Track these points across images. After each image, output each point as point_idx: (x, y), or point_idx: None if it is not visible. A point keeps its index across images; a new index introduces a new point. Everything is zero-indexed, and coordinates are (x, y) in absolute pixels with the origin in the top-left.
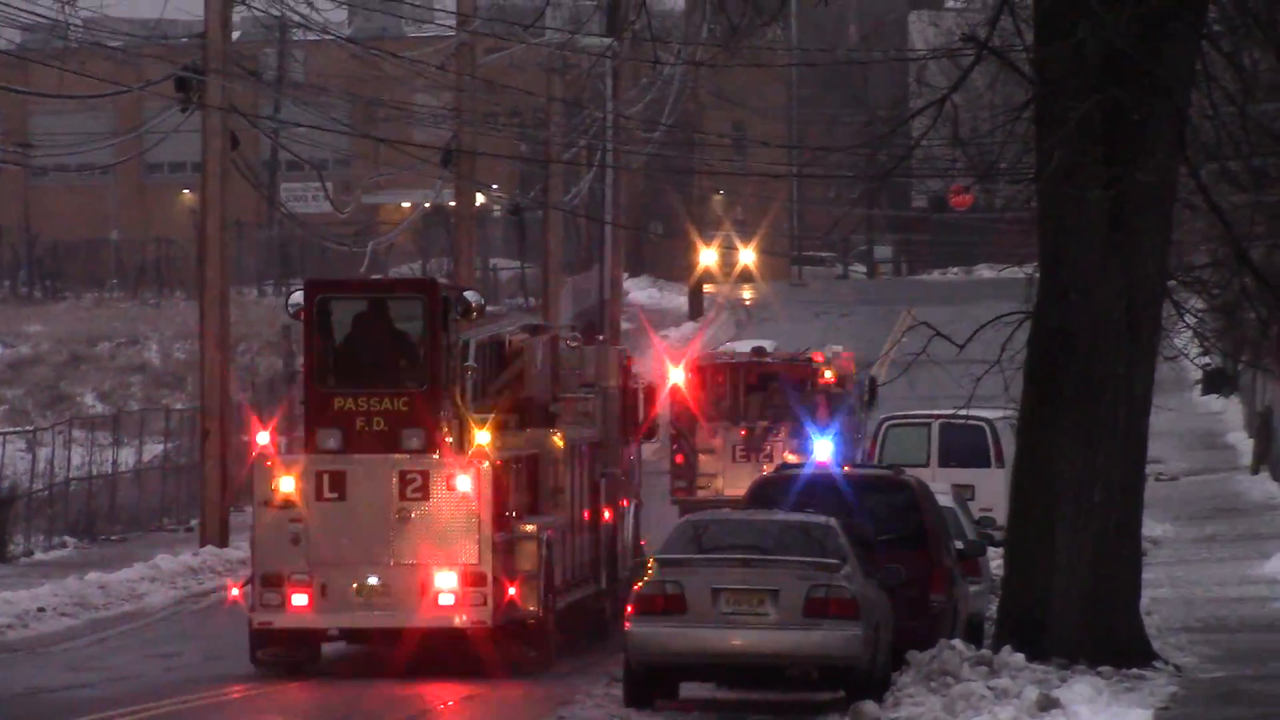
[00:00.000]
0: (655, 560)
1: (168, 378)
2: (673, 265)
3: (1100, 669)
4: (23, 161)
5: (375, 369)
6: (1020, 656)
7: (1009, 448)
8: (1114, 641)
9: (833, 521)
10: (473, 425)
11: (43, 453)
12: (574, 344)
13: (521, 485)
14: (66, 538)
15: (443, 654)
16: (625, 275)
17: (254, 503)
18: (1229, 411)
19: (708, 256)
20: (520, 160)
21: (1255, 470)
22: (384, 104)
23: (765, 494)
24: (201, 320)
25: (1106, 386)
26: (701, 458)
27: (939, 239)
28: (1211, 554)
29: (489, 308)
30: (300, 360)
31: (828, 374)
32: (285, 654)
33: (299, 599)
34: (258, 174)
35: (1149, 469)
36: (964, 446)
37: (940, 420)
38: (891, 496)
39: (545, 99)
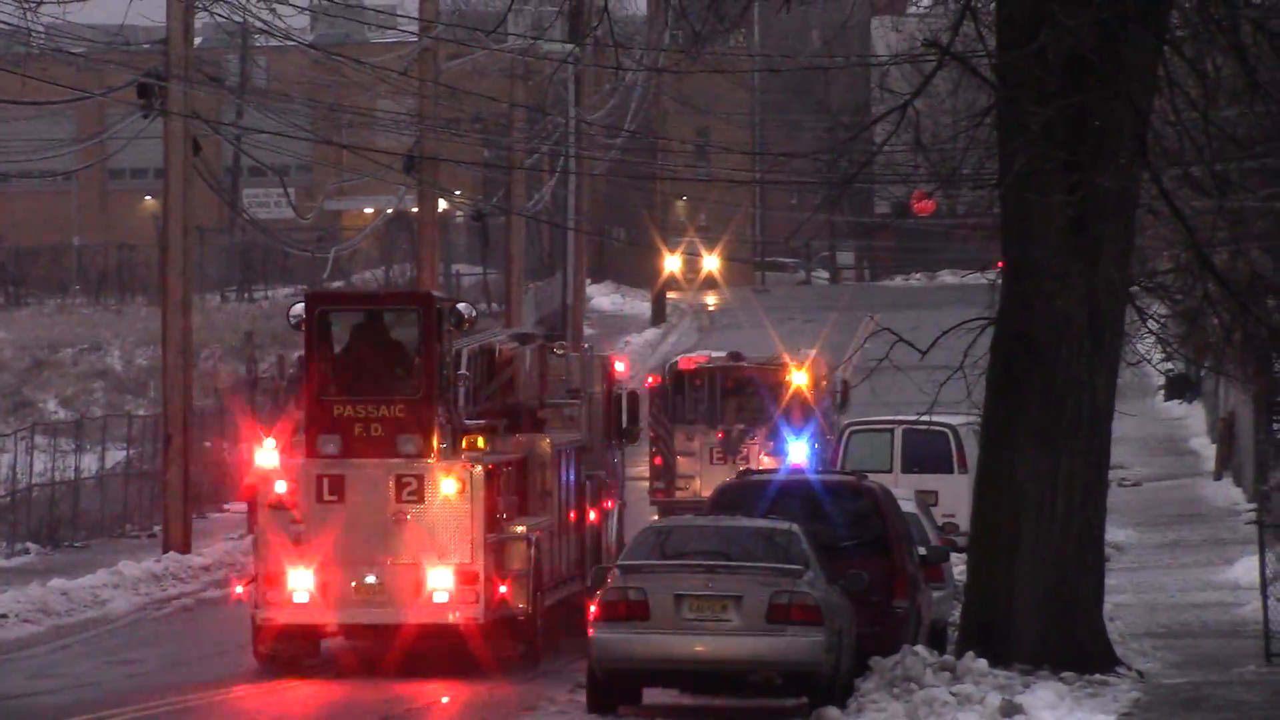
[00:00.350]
0: (618, 566)
1: (130, 384)
2: (636, 271)
3: (1063, 675)
4: None
5: (372, 377)
6: (983, 662)
7: (972, 453)
8: (1077, 647)
9: (795, 527)
10: (465, 431)
11: (5, 459)
12: (560, 352)
13: (511, 488)
14: (29, 544)
15: (435, 649)
16: (588, 281)
17: (257, 504)
18: (1192, 417)
19: (672, 263)
20: (483, 166)
21: (1218, 476)
22: (346, 110)
23: (729, 500)
24: (164, 326)
25: (1069, 392)
26: (679, 459)
27: (902, 245)
28: (1175, 559)
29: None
30: (267, 366)
31: (801, 378)
32: (287, 649)
33: (300, 596)
34: (220, 180)
35: (1112, 474)
36: (927, 452)
37: (903, 426)
38: (855, 502)
39: (508, 105)
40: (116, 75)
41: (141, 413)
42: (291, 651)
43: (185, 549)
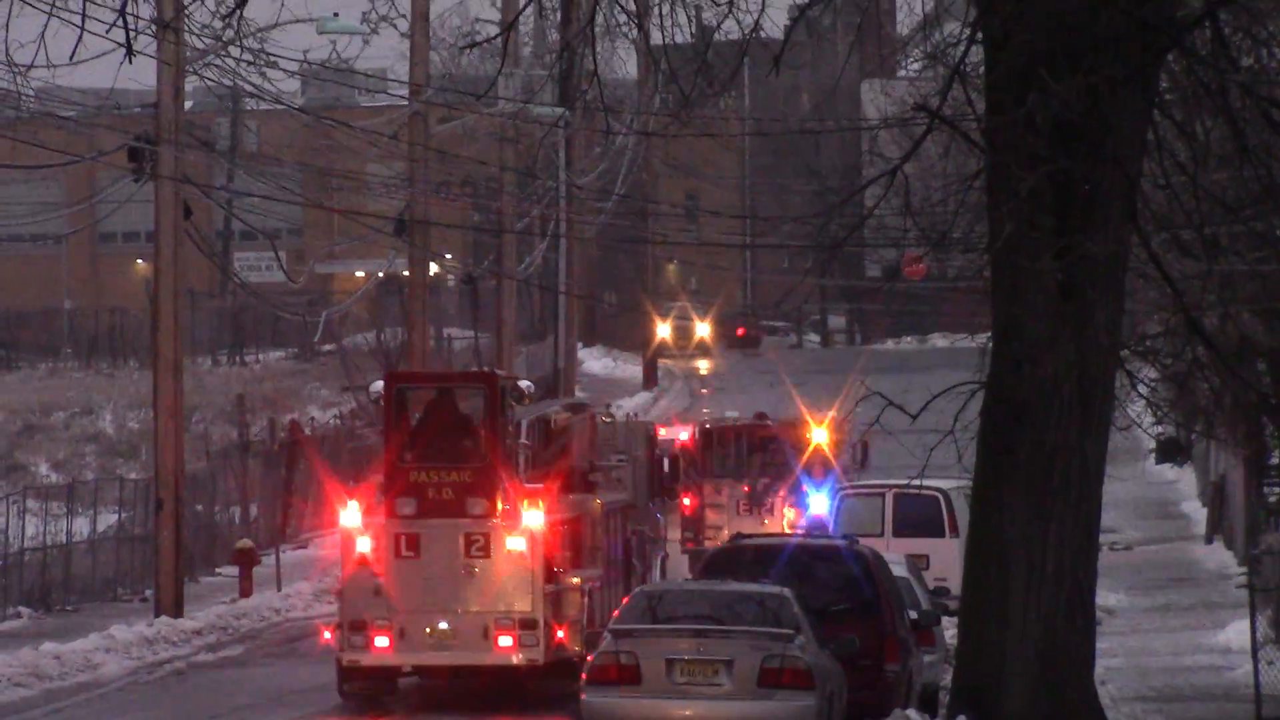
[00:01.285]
0: (609, 630)
1: (122, 447)
2: (628, 335)
3: None
4: None
5: (444, 447)
6: None
7: (963, 517)
8: (1068, 711)
9: (787, 591)
10: (526, 493)
11: None
12: (608, 419)
13: (567, 544)
14: (21, 608)
15: (499, 689)
16: (580, 345)
17: (342, 560)
18: (1183, 481)
19: (663, 330)
20: (474, 229)
21: (1209, 539)
22: (337, 174)
23: (720, 564)
24: (155, 390)
25: (1059, 456)
26: (708, 511)
27: (892, 308)
28: (1166, 623)
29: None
30: (258, 430)
31: (822, 436)
32: (368, 688)
33: (381, 640)
34: (211, 244)
35: (1103, 538)
36: (918, 516)
37: (894, 490)
38: (846, 566)
39: (498, 168)
40: (107, 139)
41: (133, 476)
42: (372, 690)
43: (177, 613)
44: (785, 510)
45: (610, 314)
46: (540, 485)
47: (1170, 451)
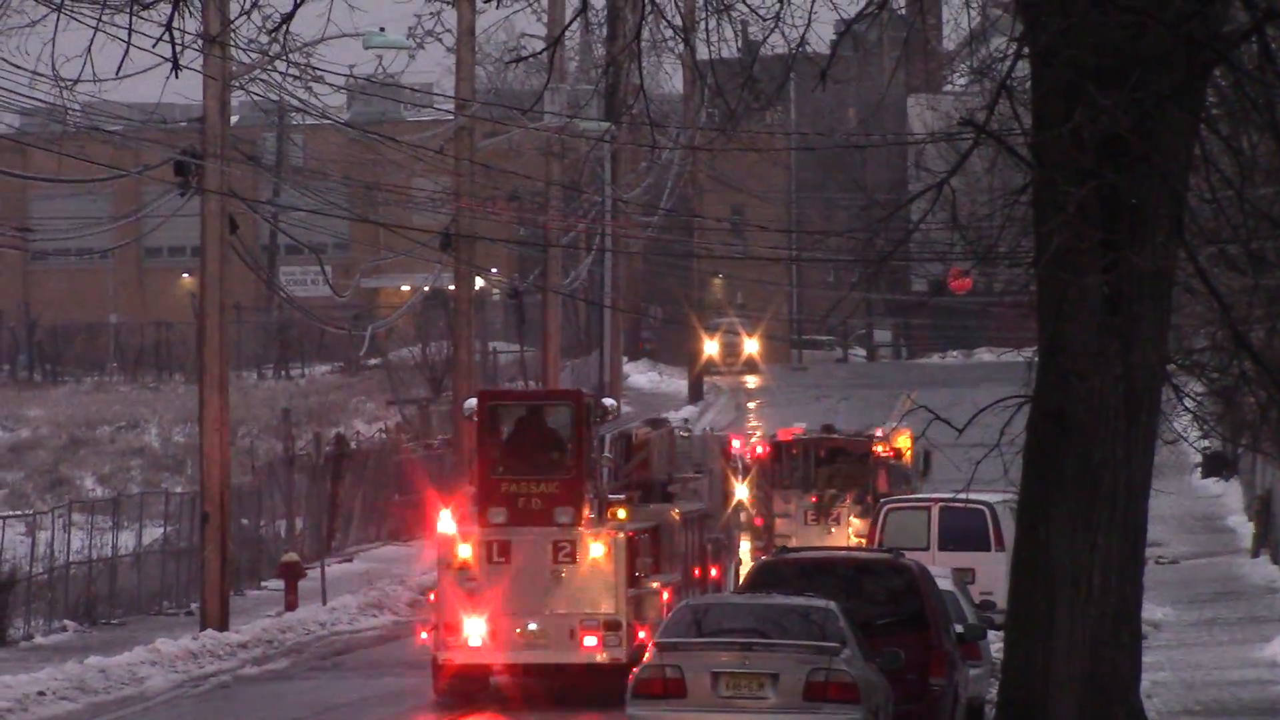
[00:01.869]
0: (655, 644)
1: (167, 461)
2: (673, 349)
3: None
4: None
5: (533, 460)
6: None
7: (1009, 531)
8: None
9: (833, 605)
10: (609, 503)
11: (42, 536)
12: (685, 434)
13: (647, 550)
14: (66, 621)
15: (584, 686)
16: (625, 359)
17: (439, 565)
18: (1229, 495)
19: (710, 346)
20: (519, 244)
21: (1255, 553)
22: (383, 188)
23: (766, 578)
24: (201, 404)
25: (1105, 470)
26: (777, 521)
27: (938, 322)
28: (1212, 637)
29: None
30: (304, 444)
31: (886, 448)
32: (462, 685)
33: (474, 641)
34: (257, 258)
35: (1149, 552)
36: (964, 530)
37: (940, 504)
38: (892, 580)
39: (544, 183)
40: (153, 153)
41: (179, 490)
42: (466, 688)
43: (223, 626)
44: (851, 520)
45: (656, 328)
46: (622, 496)
47: (1216, 466)
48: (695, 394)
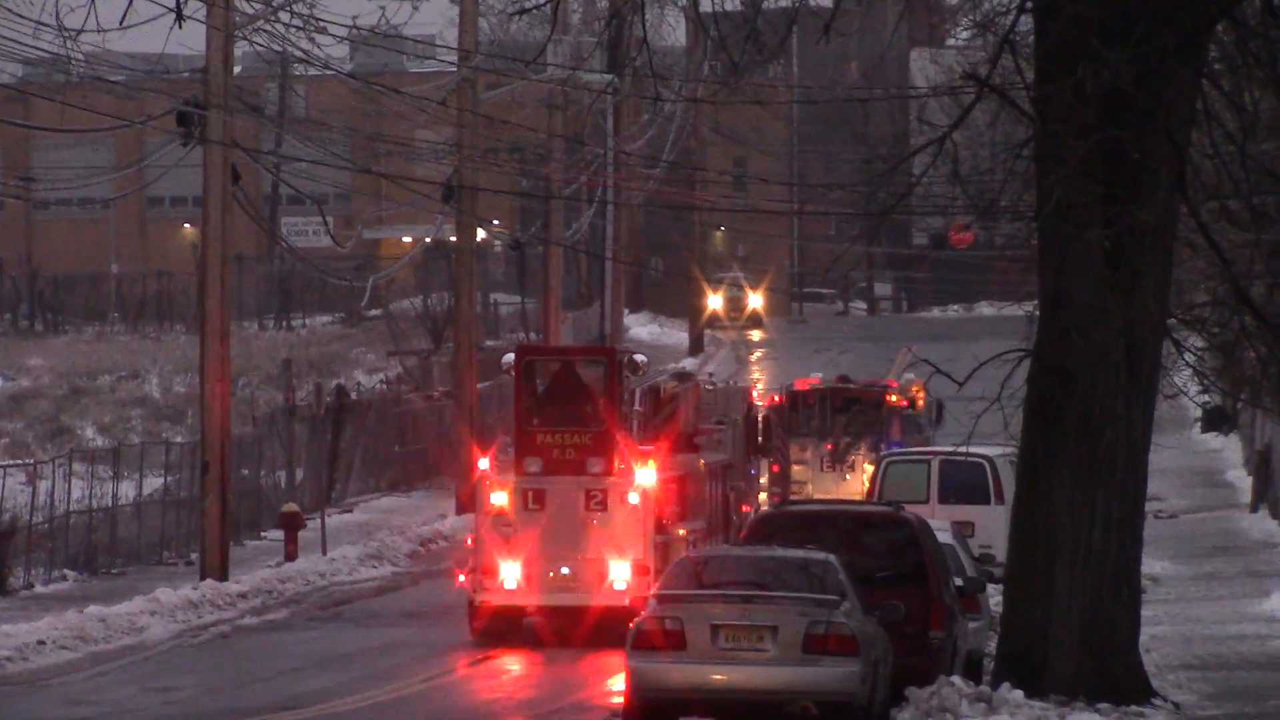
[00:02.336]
0: (655, 596)
1: (168, 411)
2: (674, 301)
3: (1099, 706)
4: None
5: (567, 413)
6: (1019, 694)
7: (1009, 485)
8: (1112, 679)
9: (832, 558)
10: (638, 454)
11: (43, 486)
12: (710, 387)
13: (674, 499)
14: (66, 571)
15: (613, 628)
16: (626, 311)
17: (476, 511)
18: (1228, 449)
19: (714, 301)
20: (521, 196)
21: (1254, 508)
22: (385, 139)
23: (766, 530)
24: (202, 354)
25: (1106, 424)
26: (794, 468)
27: (939, 276)
28: (1210, 592)
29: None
30: (305, 394)
31: (899, 398)
32: (498, 625)
33: (510, 584)
34: (259, 208)
35: (1148, 506)
36: (964, 483)
37: (940, 457)
38: (891, 533)
39: (546, 135)
40: (156, 103)
41: (179, 440)
42: (500, 627)
43: (223, 576)
44: (865, 467)
45: (657, 280)
46: (651, 447)
47: (1216, 420)
48: (696, 346)
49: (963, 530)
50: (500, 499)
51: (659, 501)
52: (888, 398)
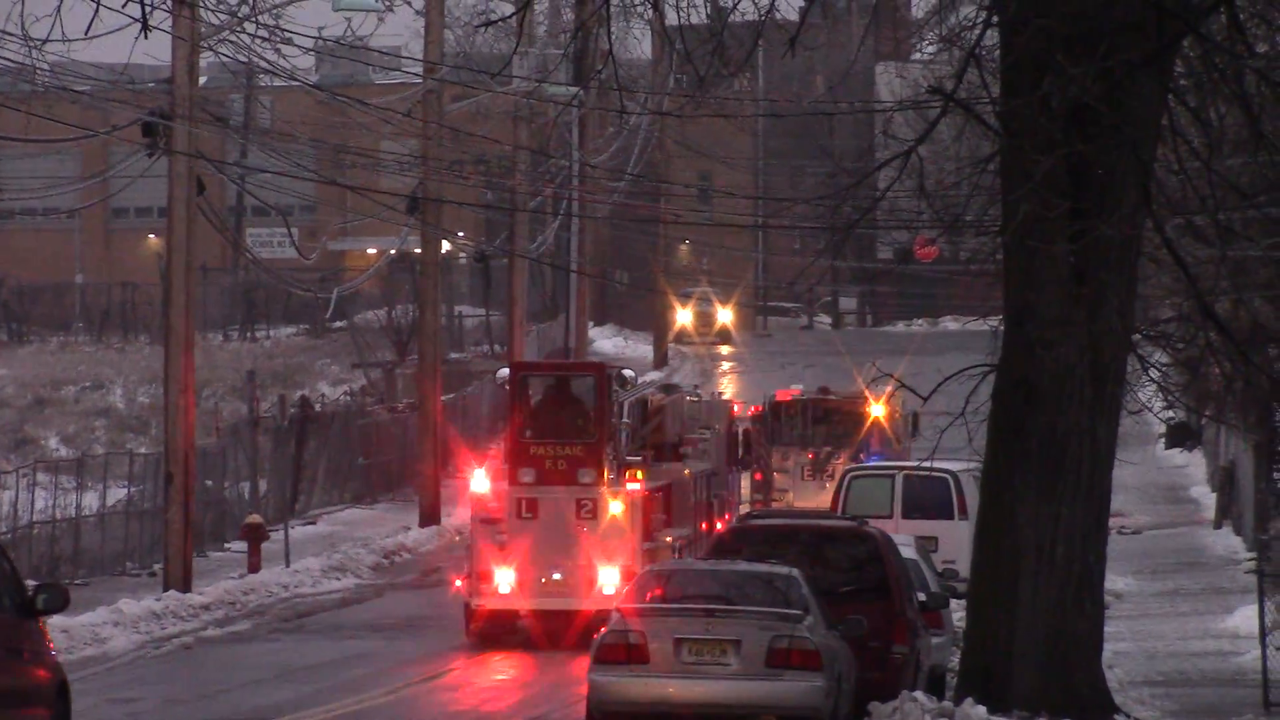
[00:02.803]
0: (617, 609)
1: (132, 422)
2: (638, 314)
3: None
4: None
5: (559, 426)
6: (982, 709)
7: (972, 500)
8: (1075, 694)
9: (795, 572)
10: (627, 465)
11: (6, 495)
12: (694, 399)
13: (660, 507)
14: (29, 581)
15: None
16: (591, 324)
17: (472, 519)
18: (1192, 465)
19: (683, 316)
20: (486, 208)
21: (1218, 524)
22: (350, 151)
23: (730, 544)
24: (166, 365)
25: (1070, 440)
26: (776, 476)
27: (904, 290)
28: (1174, 607)
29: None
30: (269, 406)
31: (879, 409)
32: (492, 628)
33: (504, 588)
34: (223, 219)
35: (1112, 522)
36: (928, 498)
37: (904, 472)
38: (855, 548)
39: (511, 147)
40: (121, 114)
41: (143, 451)
42: (494, 630)
43: (186, 587)
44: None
45: (622, 292)
46: (639, 457)
47: (1180, 436)
48: (660, 360)
49: (926, 545)
50: (495, 508)
51: (646, 510)
52: (866, 409)
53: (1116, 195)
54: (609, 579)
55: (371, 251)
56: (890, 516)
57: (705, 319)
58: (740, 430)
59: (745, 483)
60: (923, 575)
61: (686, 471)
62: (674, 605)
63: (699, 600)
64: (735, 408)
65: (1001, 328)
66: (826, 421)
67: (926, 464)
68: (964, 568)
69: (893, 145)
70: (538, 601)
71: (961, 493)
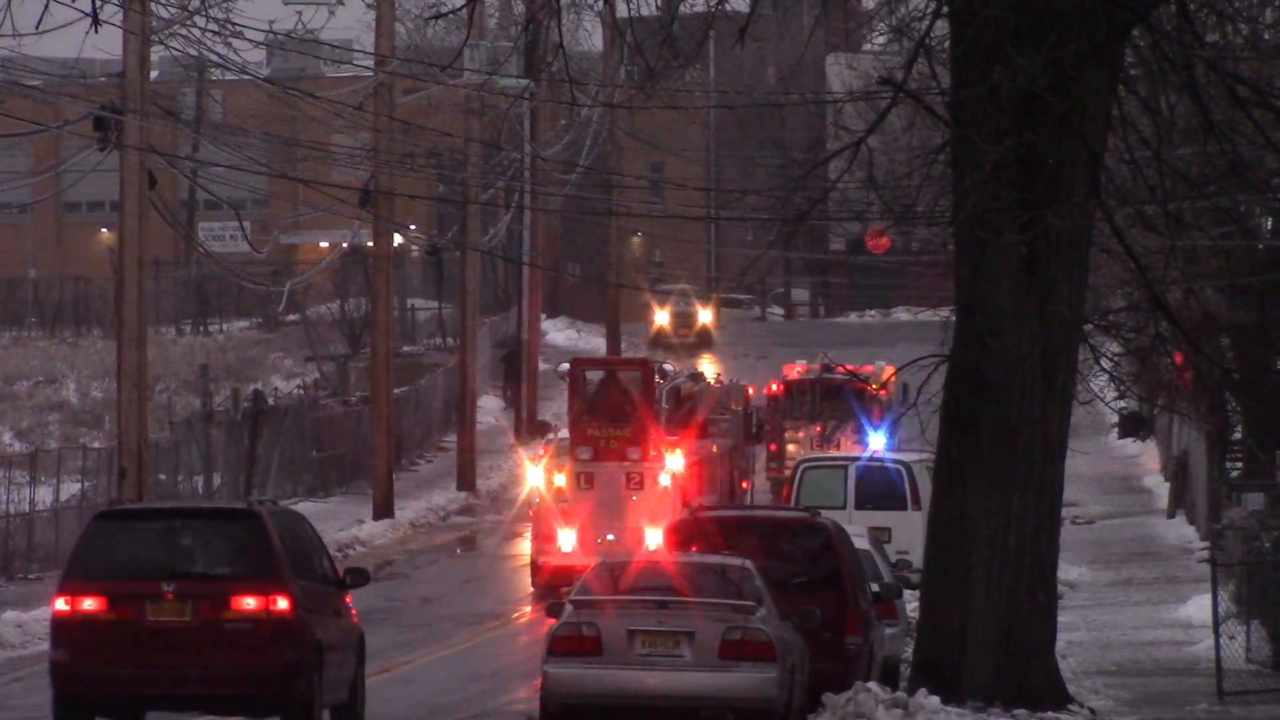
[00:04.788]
0: (571, 601)
1: (85, 416)
2: (590, 306)
3: (1015, 712)
4: None
5: (612, 411)
6: (935, 700)
7: (925, 491)
8: (1029, 685)
9: (748, 563)
10: (667, 444)
11: None
12: (718, 385)
13: (695, 477)
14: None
15: None
16: (543, 316)
17: (541, 489)
18: (1145, 455)
19: (661, 317)
20: (438, 201)
21: (1171, 514)
22: (302, 144)
23: (683, 536)
24: (119, 359)
25: (1022, 430)
26: (789, 447)
27: (856, 281)
28: (1128, 597)
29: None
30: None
31: (878, 387)
32: (555, 581)
33: (566, 548)
34: (175, 213)
35: (1065, 512)
36: (881, 489)
37: (857, 462)
38: (808, 539)
39: (463, 140)
40: (73, 108)
41: (97, 445)
42: (557, 583)
43: None
44: (851, 446)
45: (575, 285)
46: (676, 437)
47: (1133, 426)
48: (614, 350)
49: (879, 536)
50: (559, 480)
51: (684, 481)
52: (867, 386)
53: (1066, 185)
54: (654, 539)
55: (324, 245)
56: (844, 507)
57: (684, 319)
58: (754, 411)
59: (761, 456)
60: (876, 566)
61: (714, 447)
62: (627, 597)
63: (652, 592)
64: (750, 391)
65: (953, 318)
66: (832, 398)
67: (879, 455)
68: (917, 558)
69: (843, 136)
70: (594, 558)
71: (915, 483)
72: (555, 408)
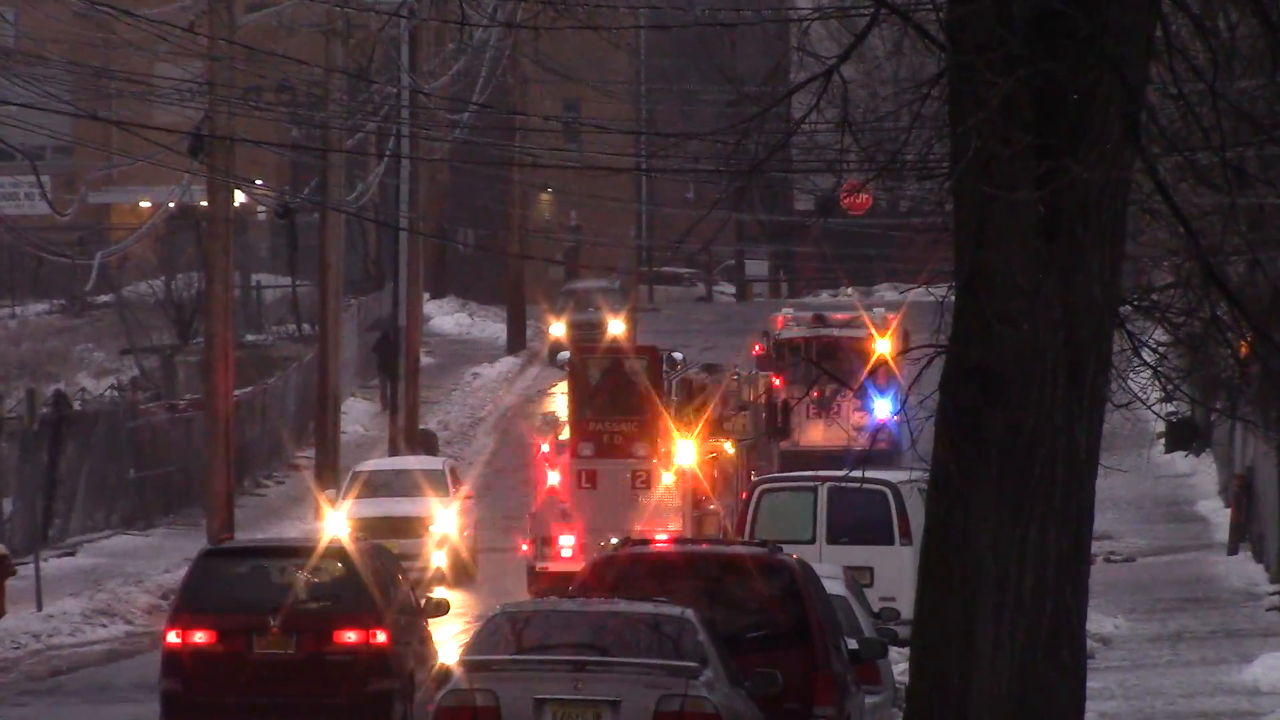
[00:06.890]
0: (462, 662)
1: None
2: (487, 284)
3: None
4: None
5: (616, 404)
6: None
7: (917, 520)
8: None
9: (690, 613)
10: (676, 439)
11: None
12: (735, 377)
13: (707, 478)
14: None
15: None
16: (427, 296)
17: (535, 490)
18: (1200, 474)
19: (556, 329)
20: (291, 149)
21: (1233, 549)
22: (117, 76)
23: (608, 577)
24: None
25: (1041, 442)
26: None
27: (828, 251)
28: (1177, 656)
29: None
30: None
31: (884, 344)
32: (553, 589)
33: (565, 552)
34: None
35: (1097, 547)
36: (860, 518)
37: (830, 483)
38: (767, 581)
39: (323, 70)
40: None
41: None
42: (555, 590)
43: None
44: (852, 415)
45: (467, 257)
46: (687, 432)
47: (1183, 437)
48: (517, 343)
49: (858, 578)
50: (557, 479)
51: (694, 480)
52: (871, 345)
53: (1096, 127)
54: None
55: (145, 205)
56: (812, 541)
57: (588, 330)
58: (777, 403)
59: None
60: (854, 616)
61: (729, 443)
62: (535, 657)
63: (567, 650)
64: (776, 381)
65: (951, 299)
66: (830, 358)
67: (858, 474)
68: (907, 607)
69: (810, 64)
70: None
71: (903, 510)
72: (442, 413)
